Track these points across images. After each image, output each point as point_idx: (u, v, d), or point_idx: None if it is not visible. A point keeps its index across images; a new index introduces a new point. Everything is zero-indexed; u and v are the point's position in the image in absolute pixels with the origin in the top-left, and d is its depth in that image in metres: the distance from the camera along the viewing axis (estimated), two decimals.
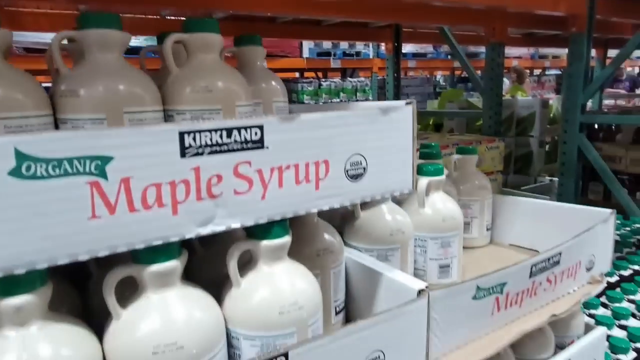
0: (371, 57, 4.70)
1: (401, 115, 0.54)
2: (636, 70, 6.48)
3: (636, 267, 1.51)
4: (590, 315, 1.21)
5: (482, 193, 0.96)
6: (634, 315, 1.24)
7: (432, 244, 0.74)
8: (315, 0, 1.74)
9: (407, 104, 0.54)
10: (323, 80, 4.65)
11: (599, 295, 1.32)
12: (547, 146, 3.07)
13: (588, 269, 0.80)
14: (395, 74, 2.83)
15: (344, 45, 4.72)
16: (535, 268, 0.69)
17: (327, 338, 0.46)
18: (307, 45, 4.55)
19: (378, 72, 4.59)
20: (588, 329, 0.88)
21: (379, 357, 0.51)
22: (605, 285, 0.80)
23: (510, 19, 2.28)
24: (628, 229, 1.83)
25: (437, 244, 0.74)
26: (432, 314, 0.59)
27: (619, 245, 1.64)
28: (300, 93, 4.50)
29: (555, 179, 2.41)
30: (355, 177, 0.51)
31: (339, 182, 0.50)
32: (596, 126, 2.23)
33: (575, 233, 0.78)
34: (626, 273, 1.47)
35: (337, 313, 0.64)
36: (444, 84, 6.99)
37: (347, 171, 0.50)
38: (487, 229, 0.98)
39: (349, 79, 4.83)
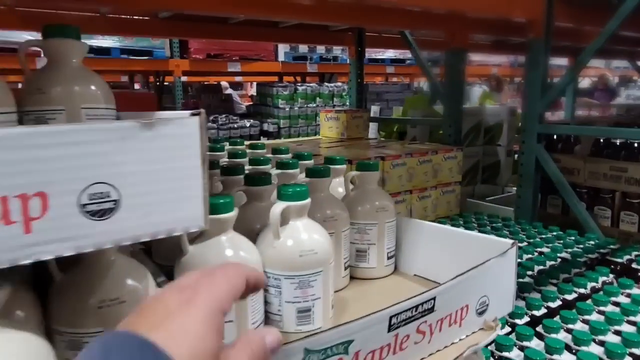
0: (348, 62, 4.58)
1: (179, 130, 0.39)
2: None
3: (582, 291, 1.37)
4: (521, 348, 1.07)
5: (382, 216, 0.81)
6: (568, 348, 1.10)
7: (287, 283, 0.60)
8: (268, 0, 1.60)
9: (192, 114, 0.40)
10: (299, 84, 4.51)
11: (533, 325, 1.17)
12: (515, 155, 2.94)
13: (480, 313, 0.65)
14: (359, 80, 2.69)
15: (320, 49, 4.59)
16: (397, 319, 0.54)
17: None
18: (283, 49, 4.41)
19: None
20: None
21: None
22: (500, 332, 0.66)
23: (470, 24, 2.14)
24: (581, 246, 1.68)
25: (294, 284, 0.60)
26: None
27: (567, 264, 1.50)
28: (275, 97, 4.36)
29: None
30: (99, 214, 0.37)
31: (68, 220, 0.36)
32: (555, 137, 2.09)
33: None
34: (570, 297, 1.33)
35: None
36: (427, 90, 6.88)
37: (83, 206, 0.36)
38: (389, 257, 0.84)
39: (326, 83, 4.69)
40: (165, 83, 4.40)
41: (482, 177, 2.82)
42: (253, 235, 0.68)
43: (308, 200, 0.63)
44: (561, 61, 3.42)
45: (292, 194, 0.61)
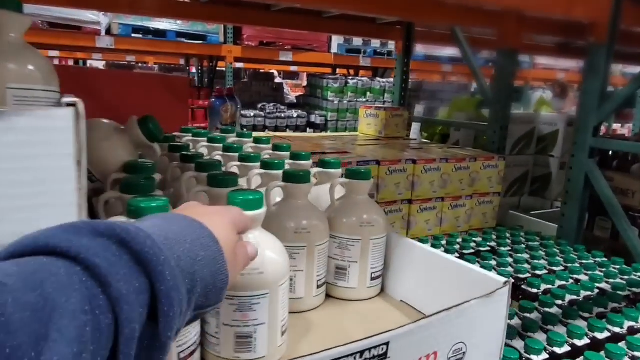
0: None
1: (44, 123, 0.32)
2: None
3: (616, 330, 1.20)
4: None
5: (367, 231, 0.71)
6: None
7: (225, 304, 0.52)
8: None
9: (67, 104, 0.33)
10: (350, 78, 4.40)
11: None
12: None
13: None
14: (404, 76, 2.55)
15: (375, 43, 4.45)
16: None
17: None
18: (337, 40, 4.31)
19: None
20: None
21: None
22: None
23: (525, 23, 1.96)
24: (625, 277, 1.49)
25: (233, 305, 0.52)
26: None
27: (604, 297, 1.33)
28: (325, 89, 4.28)
29: None
30: None
31: None
32: (611, 152, 1.87)
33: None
34: (600, 336, 1.16)
35: None
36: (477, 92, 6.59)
37: None
38: (373, 278, 0.73)
39: (379, 79, 4.54)
40: (218, 68, 4.43)
41: (530, 189, 2.62)
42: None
43: (261, 211, 0.54)
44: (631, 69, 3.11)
45: (242, 203, 0.52)
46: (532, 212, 2.36)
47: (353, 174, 0.73)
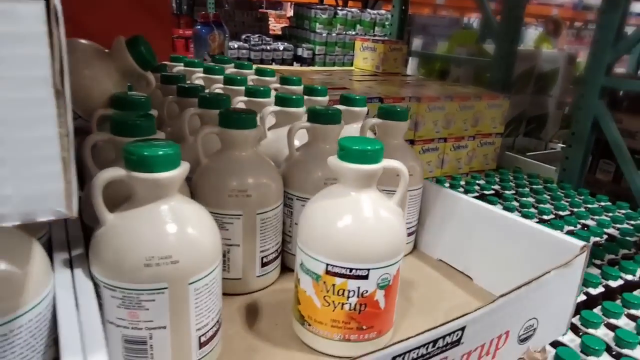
0: None
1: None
2: None
3: (629, 277, 1.15)
4: (552, 345, 0.88)
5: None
6: (608, 350, 0.90)
7: (107, 295, 0.37)
8: None
9: None
10: (339, 8, 4.12)
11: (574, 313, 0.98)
12: (566, 109, 2.62)
13: (522, 340, 0.46)
14: (403, 7, 2.35)
15: None
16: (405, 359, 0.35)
17: None
18: None
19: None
20: None
21: None
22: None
23: None
24: (632, 223, 1.44)
25: (116, 299, 0.37)
26: None
27: (615, 244, 1.27)
28: (313, 21, 4.01)
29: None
30: None
31: None
32: (621, 93, 1.77)
33: (528, 265, 0.44)
34: (614, 284, 1.11)
35: None
36: (477, 27, 6.36)
37: None
38: (408, 234, 0.63)
39: (369, 10, 4.28)
40: None
41: (525, 129, 2.54)
42: (223, 197, 0.49)
43: (172, 173, 0.38)
44: None
45: (138, 161, 0.36)
46: (528, 154, 2.29)
47: (389, 113, 0.61)
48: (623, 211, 1.55)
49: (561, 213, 1.51)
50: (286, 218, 0.57)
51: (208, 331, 0.41)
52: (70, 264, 0.40)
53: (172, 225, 0.37)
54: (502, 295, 0.39)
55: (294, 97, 0.65)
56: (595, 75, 1.67)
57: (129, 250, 0.36)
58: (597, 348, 0.90)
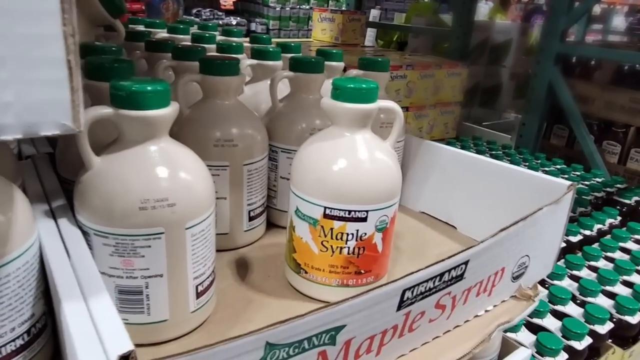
0: None
1: None
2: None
3: (587, 233, 1.21)
4: None
5: (384, 133, 0.59)
6: (574, 299, 0.95)
7: (98, 243, 0.35)
8: None
9: None
10: None
11: None
12: (519, 79, 2.70)
13: (515, 277, 0.47)
14: None
15: None
16: (413, 293, 0.35)
17: None
18: None
19: None
20: (507, 348, 0.58)
21: None
22: (536, 303, 0.48)
23: None
24: (587, 183, 1.52)
25: (108, 247, 0.34)
26: None
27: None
28: None
29: (521, 116, 2.06)
30: None
31: None
32: (574, 60, 1.85)
33: (512, 210, 0.45)
34: (574, 239, 1.17)
35: None
36: None
37: None
38: None
39: None
40: None
41: (480, 100, 2.60)
42: (208, 148, 0.46)
43: (163, 112, 0.35)
44: None
45: (127, 97, 0.34)
46: (484, 123, 2.35)
47: (369, 64, 0.60)
48: (577, 173, 1.63)
49: None
50: (270, 172, 0.56)
51: (204, 280, 0.40)
52: (53, 215, 0.37)
53: (167, 167, 0.35)
54: (502, 230, 0.40)
55: (271, 49, 0.63)
56: (550, 42, 1.73)
57: (122, 193, 0.34)
58: (563, 297, 0.95)
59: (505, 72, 2.66)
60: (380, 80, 0.60)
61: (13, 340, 0.31)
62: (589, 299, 0.95)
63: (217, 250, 0.46)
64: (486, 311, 0.45)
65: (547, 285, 0.97)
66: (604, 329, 0.89)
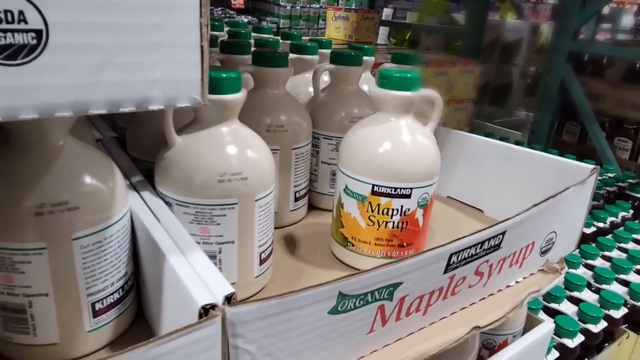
0: None
1: None
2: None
3: (601, 225, 1.25)
4: None
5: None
6: (589, 286, 0.99)
7: (179, 212, 0.40)
8: None
9: None
10: None
11: None
12: (528, 79, 2.73)
13: (543, 252, 0.51)
14: None
15: None
16: (458, 257, 0.40)
17: None
18: None
19: None
20: (531, 323, 0.62)
21: None
22: (564, 275, 0.52)
23: None
24: (599, 178, 1.55)
25: (189, 215, 0.39)
26: (238, 344, 0.30)
27: None
28: None
29: (532, 114, 2.10)
30: (9, 54, 0.19)
31: None
32: (586, 58, 1.88)
33: (537, 193, 0.49)
34: (588, 231, 1.21)
35: None
36: None
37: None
38: None
39: None
40: None
41: (491, 98, 2.63)
42: (261, 133, 0.51)
43: (237, 96, 0.40)
44: None
45: (216, 82, 0.38)
46: (495, 121, 2.39)
47: (402, 59, 0.64)
48: None
49: None
50: (312, 157, 0.61)
51: (266, 249, 0.44)
52: (135, 188, 0.41)
53: (240, 145, 0.40)
54: (534, 205, 0.45)
55: (309, 44, 0.67)
56: (562, 40, 1.76)
57: (202, 167, 0.38)
58: (579, 284, 0.99)
59: (516, 71, 2.69)
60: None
61: (112, 294, 0.36)
62: (604, 286, 0.99)
63: None
64: (517, 282, 0.50)
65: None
66: (618, 313, 0.93)
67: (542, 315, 0.89)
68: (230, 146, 0.40)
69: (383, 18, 2.55)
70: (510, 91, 2.73)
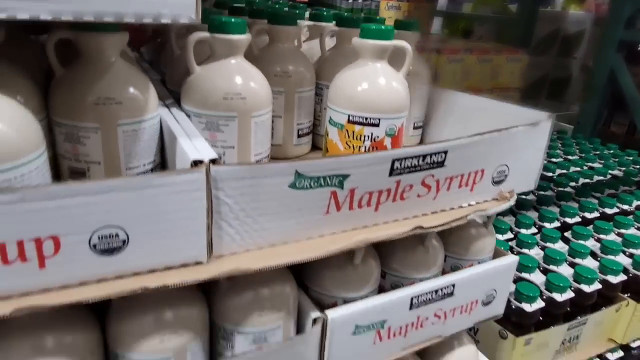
0: None
1: None
2: None
3: (625, 207, 1.29)
4: (542, 248, 1.04)
5: (411, 80, 0.75)
6: (594, 255, 1.06)
7: (195, 122, 0.55)
8: None
9: None
10: None
11: (563, 230, 1.13)
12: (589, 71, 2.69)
13: (496, 182, 0.61)
14: None
15: None
16: (401, 165, 0.51)
17: None
18: None
19: None
20: (498, 255, 0.72)
21: None
22: (512, 202, 0.62)
23: None
24: (638, 167, 1.56)
25: (202, 124, 0.55)
26: (219, 195, 0.44)
27: (617, 181, 1.41)
28: None
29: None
30: None
31: None
32: (639, 48, 1.87)
33: None
34: (610, 211, 1.26)
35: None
36: None
37: None
38: (415, 127, 0.79)
39: None
40: None
41: (548, 92, 2.62)
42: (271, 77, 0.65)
43: (243, 37, 0.55)
44: None
45: (219, 25, 0.53)
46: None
47: (402, 25, 0.76)
48: (631, 157, 1.67)
49: (570, 157, 1.63)
50: (317, 105, 0.74)
51: (262, 159, 0.59)
52: (166, 106, 0.57)
53: (242, 74, 0.55)
54: (478, 134, 0.56)
55: (325, 12, 0.81)
56: (613, 28, 1.77)
57: (212, 89, 0.53)
58: (582, 251, 1.05)
59: (576, 64, 2.65)
60: (410, 39, 0.76)
61: (144, 172, 0.52)
62: (609, 256, 1.05)
63: (272, 158, 0.65)
64: (470, 205, 0.61)
65: (569, 243, 1.08)
66: (616, 279, 0.99)
67: (537, 273, 0.97)
68: (234, 74, 0.54)
69: (438, 8, 2.62)
70: (568, 85, 2.70)
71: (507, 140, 0.59)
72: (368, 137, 0.59)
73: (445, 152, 0.54)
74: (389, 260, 0.65)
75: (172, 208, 0.42)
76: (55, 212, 0.38)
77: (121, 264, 0.42)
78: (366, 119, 0.58)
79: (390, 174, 0.52)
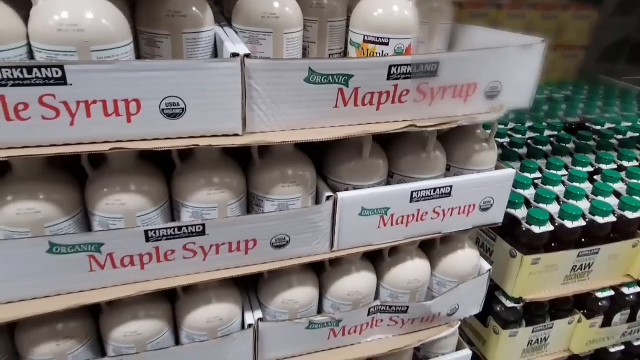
0: None
1: None
2: None
3: None
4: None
5: (435, 16, 0.87)
6: (616, 194, 1.12)
7: (241, 35, 0.71)
8: None
9: None
10: None
11: (596, 174, 1.20)
12: None
13: (489, 97, 0.73)
14: None
15: None
16: (397, 70, 0.65)
17: None
18: None
19: None
20: (499, 169, 0.83)
21: None
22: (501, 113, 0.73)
23: None
24: None
25: (245, 38, 0.69)
26: (251, 83, 0.61)
27: None
28: None
29: None
30: None
31: None
32: None
33: None
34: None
35: None
36: None
37: None
38: None
39: None
40: None
41: (628, 55, 2.52)
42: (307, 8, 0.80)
43: None
44: None
45: None
46: (624, 78, 2.32)
47: None
48: None
49: (625, 113, 1.64)
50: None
51: None
52: (220, 25, 0.75)
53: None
54: (470, 50, 0.68)
55: None
56: None
57: (255, 9, 0.70)
58: (604, 190, 1.13)
59: None
60: None
61: None
62: (633, 197, 1.11)
63: None
64: (464, 115, 0.73)
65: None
66: (633, 215, 1.06)
67: (554, 205, 1.06)
68: None
69: None
70: None
71: (500, 59, 0.70)
72: (379, 54, 0.73)
73: (437, 63, 0.67)
74: (396, 163, 0.79)
75: (217, 87, 0.60)
76: (138, 81, 0.56)
77: (181, 126, 0.61)
78: (378, 38, 0.72)
79: (388, 77, 0.66)
